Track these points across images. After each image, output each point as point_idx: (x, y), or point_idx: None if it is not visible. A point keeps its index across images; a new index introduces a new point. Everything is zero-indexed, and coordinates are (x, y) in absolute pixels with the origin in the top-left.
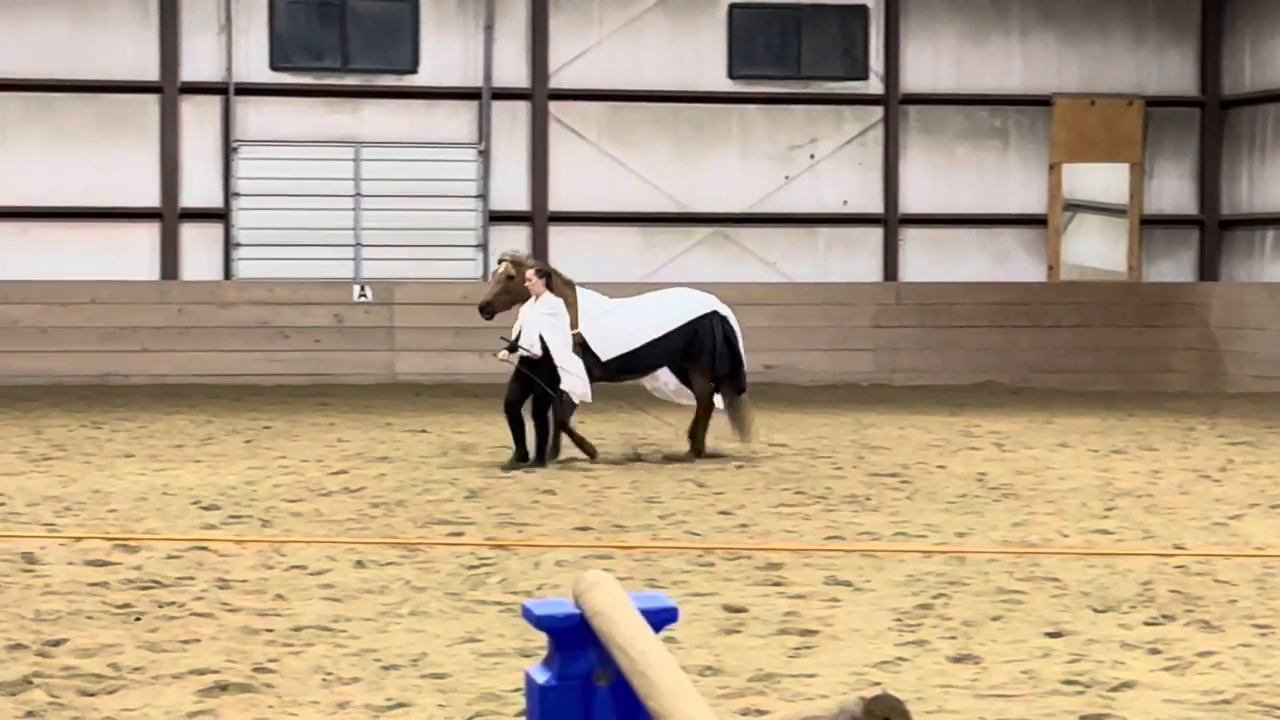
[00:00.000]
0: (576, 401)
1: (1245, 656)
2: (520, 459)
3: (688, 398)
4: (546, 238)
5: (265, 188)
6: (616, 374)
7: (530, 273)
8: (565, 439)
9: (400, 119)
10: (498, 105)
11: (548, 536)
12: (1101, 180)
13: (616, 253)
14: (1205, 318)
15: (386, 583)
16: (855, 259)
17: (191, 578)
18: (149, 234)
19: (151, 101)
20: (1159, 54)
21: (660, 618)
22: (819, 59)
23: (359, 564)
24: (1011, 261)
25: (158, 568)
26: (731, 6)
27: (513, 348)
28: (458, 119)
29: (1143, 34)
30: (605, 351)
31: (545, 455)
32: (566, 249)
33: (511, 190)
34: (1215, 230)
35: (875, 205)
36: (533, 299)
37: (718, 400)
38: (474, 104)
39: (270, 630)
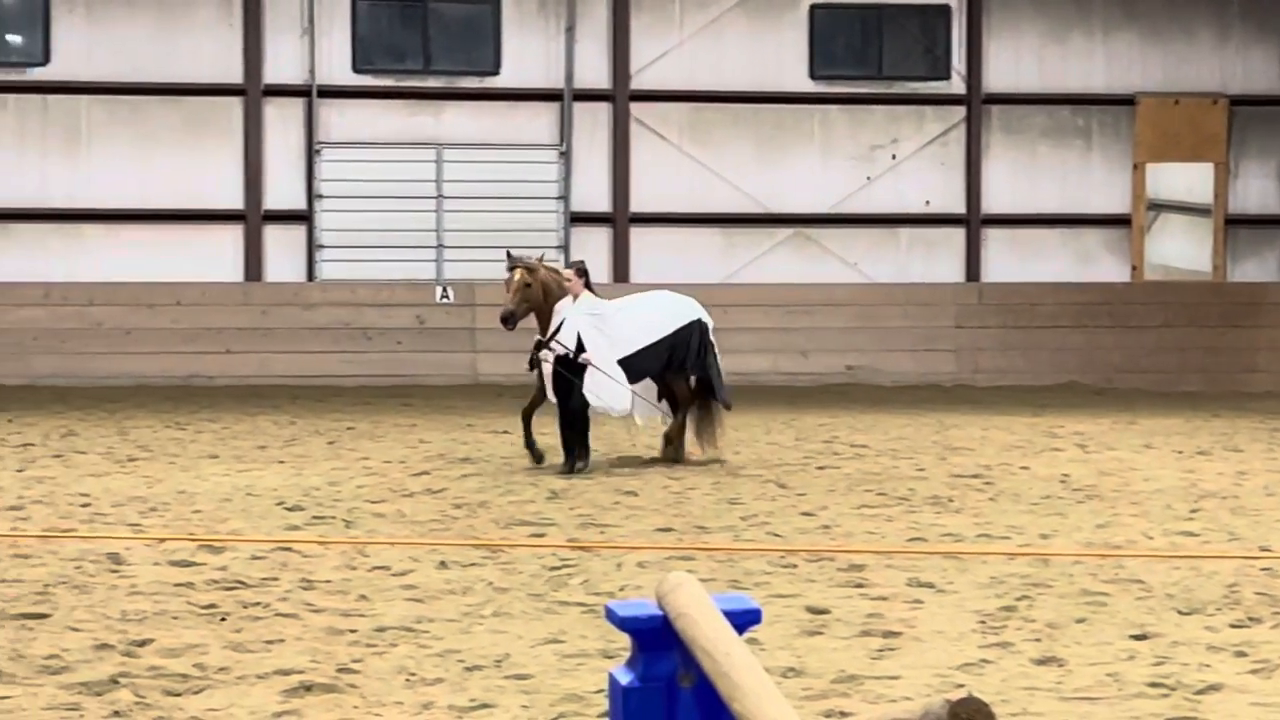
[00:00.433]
0: (616, 414)
1: None
2: (572, 466)
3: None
4: (627, 239)
5: (348, 190)
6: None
7: (570, 272)
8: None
9: (482, 120)
10: (579, 106)
11: (630, 538)
12: (1185, 179)
13: (697, 254)
14: None
15: (469, 584)
16: (937, 259)
17: (276, 578)
18: (233, 236)
19: (235, 104)
20: (1243, 52)
21: (743, 619)
22: (900, 59)
23: (442, 565)
24: (1094, 262)
25: (242, 568)
26: (812, 7)
27: (542, 346)
28: (539, 120)
29: (1227, 32)
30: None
31: (575, 460)
32: (647, 250)
33: (592, 191)
34: None
35: (957, 205)
36: (570, 299)
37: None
38: (555, 105)
39: (354, 631)
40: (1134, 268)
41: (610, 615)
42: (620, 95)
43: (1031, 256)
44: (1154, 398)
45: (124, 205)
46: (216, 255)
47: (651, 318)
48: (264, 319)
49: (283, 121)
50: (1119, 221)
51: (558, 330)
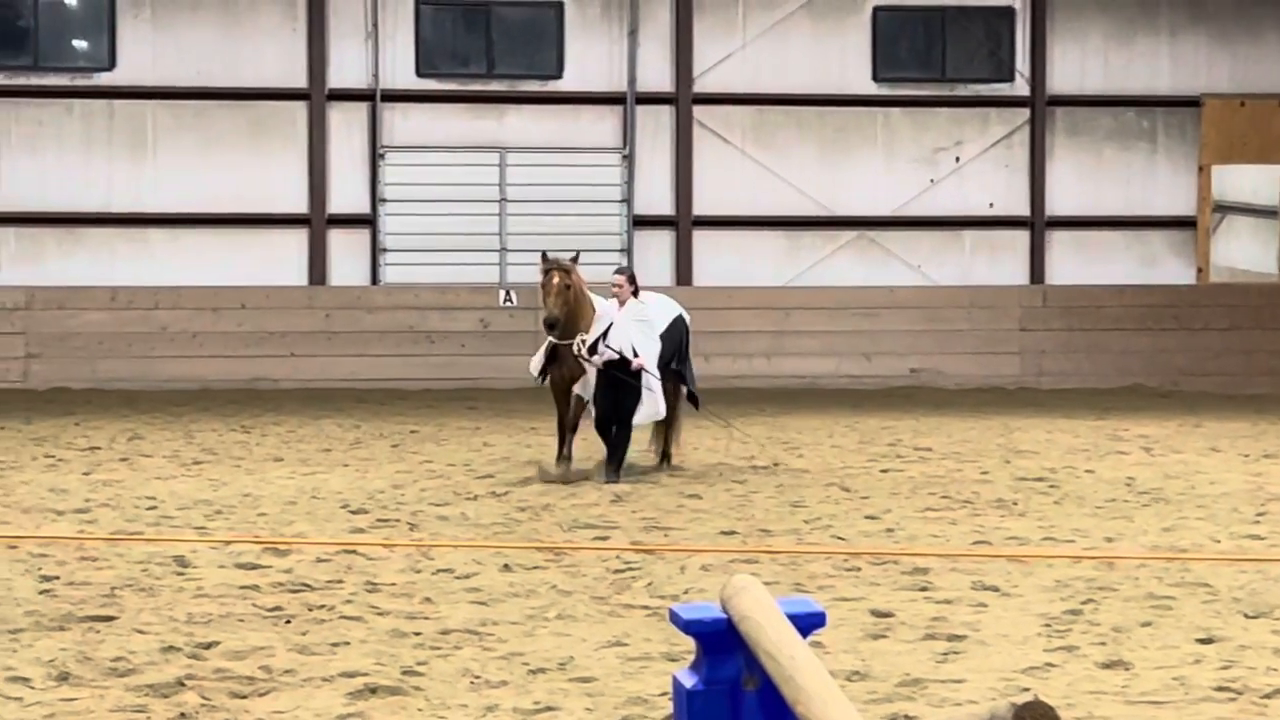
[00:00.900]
0: (651, 420)
1: None
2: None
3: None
4: (690, 242)
5: (411, 193)
6: None
7: (622, 278)
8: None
9: (545, 124)
10: (642, 109)
11: (693, 541)
12: (1251, 181)
13: (760, 257)
14: None
15: (533, 586)
16: (1001, 262)
17: (340, 581)
18: (297, 240)
19: (300, 109)
20: None
21: (807, 622)
22: (964, 61)
23: (506, 568)
24: (1160, 264)
25: (307, 571)
26: (876, 9)
27: (592, 349)
28: (602, 124)
29: None
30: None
31: (619, 467)
32: (710, 253)
33: (655, 195)
34: None
35: (1021, 208)
36: (614, 304)
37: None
38: (618, 109)
39: (419, 633)
40: (1199, 270)
41: (674, 618)
42: (683, 98)
43: (1096, 259)
44: (1219, 400)
45: (189, 209)
46: (281, 259)
47: (646, 314)
48: (328, 322)
49: (347, 126)
50: (1184, 224)
51: (604, 335)
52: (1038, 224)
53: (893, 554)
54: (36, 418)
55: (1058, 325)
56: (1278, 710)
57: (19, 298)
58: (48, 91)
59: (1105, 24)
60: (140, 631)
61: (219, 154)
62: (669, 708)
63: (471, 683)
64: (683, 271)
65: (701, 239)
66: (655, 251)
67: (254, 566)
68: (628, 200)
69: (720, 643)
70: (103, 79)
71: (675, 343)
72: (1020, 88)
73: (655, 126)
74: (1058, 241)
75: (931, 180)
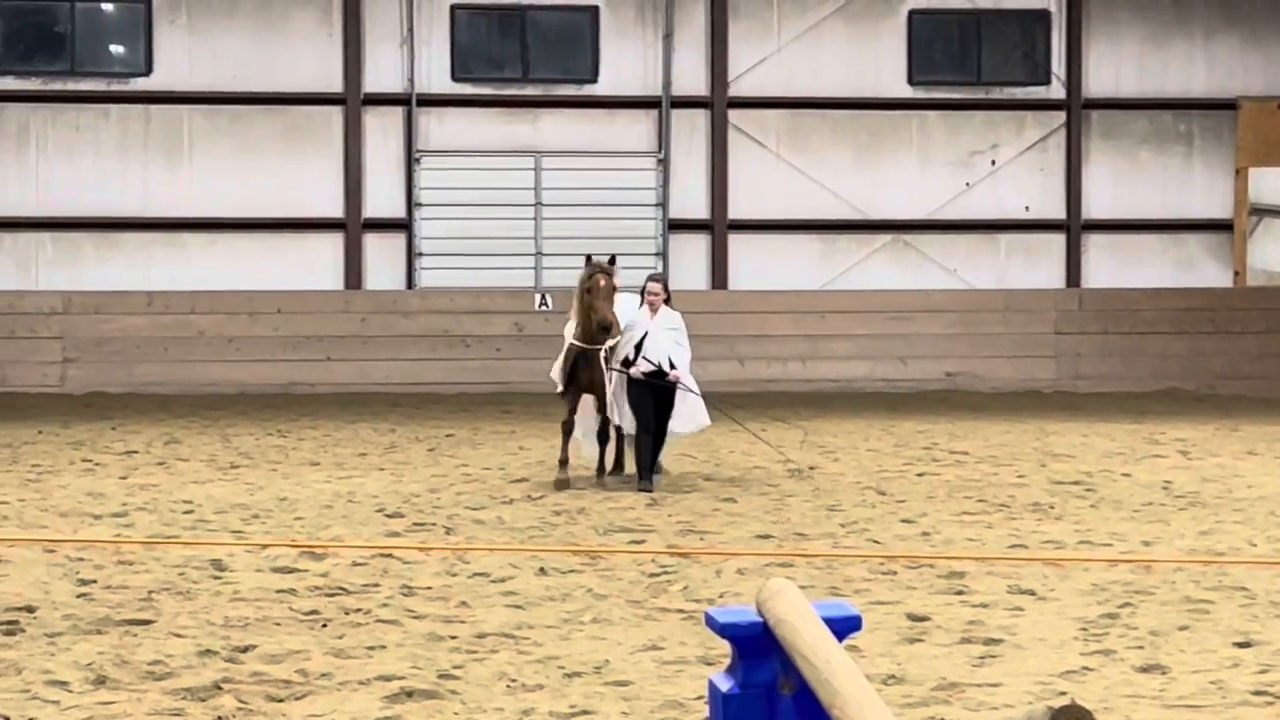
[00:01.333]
0: (700, 429)
1: None
2: (649, 479)
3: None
4: (726, 246)
5: (446, 198)
6: None
7: (658, 285)
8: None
9: (580, 128)
10: (677, 114)
11: (729, 544)
12: None
13: (795, 261)
14: None
15: (569, 590)
16: (1037, 265)
17: (377, 585)
18: (333, 244)
19: (335, 113)
20: None
21: (843, 626)
22: (999, 64)
23: (541, 571)
24: (1196, 267)
25: (343, 575)
26: (911, 12)
27: (628, 362)
28: (637, 128)
29: None
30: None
31: (653, 474)
32: (745, 257)
33: (690, 199)
34: None
35: (1057, 211)
36: (647, 311)
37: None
38: (653, 113)
39: (455, 637)
40: (1236, 273)
41: (710, 622)
42: (718, 102)
43: (1132, 262)
44: (1256, 404)
45: (225, 214)
46: (317, 263)
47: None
48: (364, 327)
49: (382, 130)
50: (1221, 226)
51: (640, 344)
52: (1073, 227)
53: (929, 558)
54: (74, 422)
55: (1094, 329)
56: None
57: (56, 302)
58: (84, 97)
59: (1140, 27)
60: (177, 635)
61: (255, 159)
62: (705, 711)
63: (507, 686)
64: (718, 276)
65: (737, 243)
66: (690, 256)
67: (290, 570)
68: (663, 204)
69: (756, 646)
70: (139, 84)
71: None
72: (1056, 91)
73: (690, 130)
74: (1094, 245)
75: (967, 184)
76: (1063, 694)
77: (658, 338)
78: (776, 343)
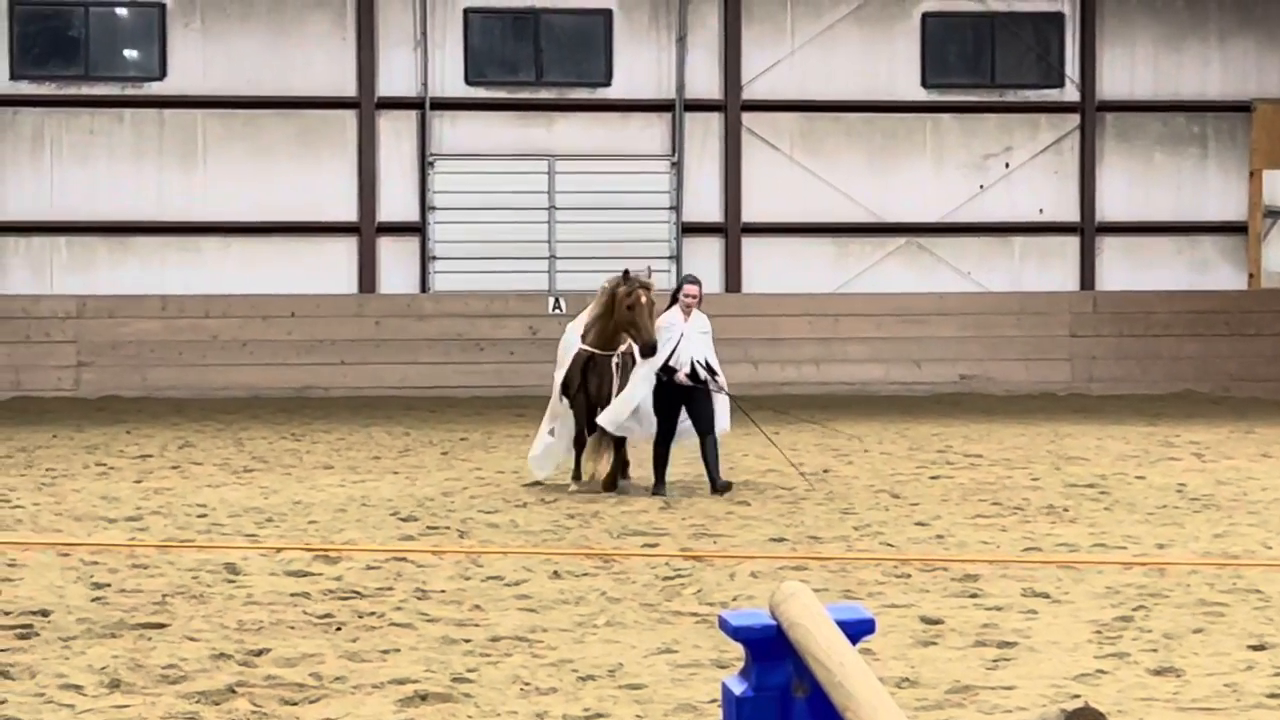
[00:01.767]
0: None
1: None
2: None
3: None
4: (739, 249)
5: (461, 201)
6: None
7: (696, 288)
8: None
9: (593, 131)
10: (690, 117)
11: (743, 548)
12: None
13: (809, 264)
14: None
15: (583, 593)
16: (1051, 268)
17: (390, 588)
18: (347, 248)
19: (349, 117)
20: None
21: (857, 629)
22: (1013, 67)
23: (555, 575)
24: (1211, 269)
25: (357, 578)
26: (925, 15)
27: (669, 369)
28: (650, 131)
29: None
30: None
31: (719, 475)
32: (759, 261)
33: (704, 202)
34: None
35: (1071, 214)
36: (680, 314)
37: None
38: (667, 116)
39: (468, 640)
40: (1251, 275)
41: (724, 625)
42: (732, 105)
43: (1146, 264)
44: (1271, 406)
45: (239, 218)
46: (331, 267)
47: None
48: (378, 330)
49: (396, 134)
50: (1236, 229)
51: (675, 349)
52: (1088, 230)
53: (943, 561)
54: (88, 426)
55: (1108, 331)
56: None
57: (70, 306)
58: (99, 101)
59: (1154, 29)
60: (191, 639)
61: (269, 163)
62: (718, 715)
63: (521, 689)
64: (732, 279)
65: (750, 246)
66: (704, 259)
67: (304, 574)
68: (676, 208)
69: (770, 649)
70: (153, 88)
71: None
72: (1070, 93)
73: (704, 133)
74: (1108, 247)
75: (981, 186)
76: (1076, 697)
77: (693, 341)
78: (790, 346)
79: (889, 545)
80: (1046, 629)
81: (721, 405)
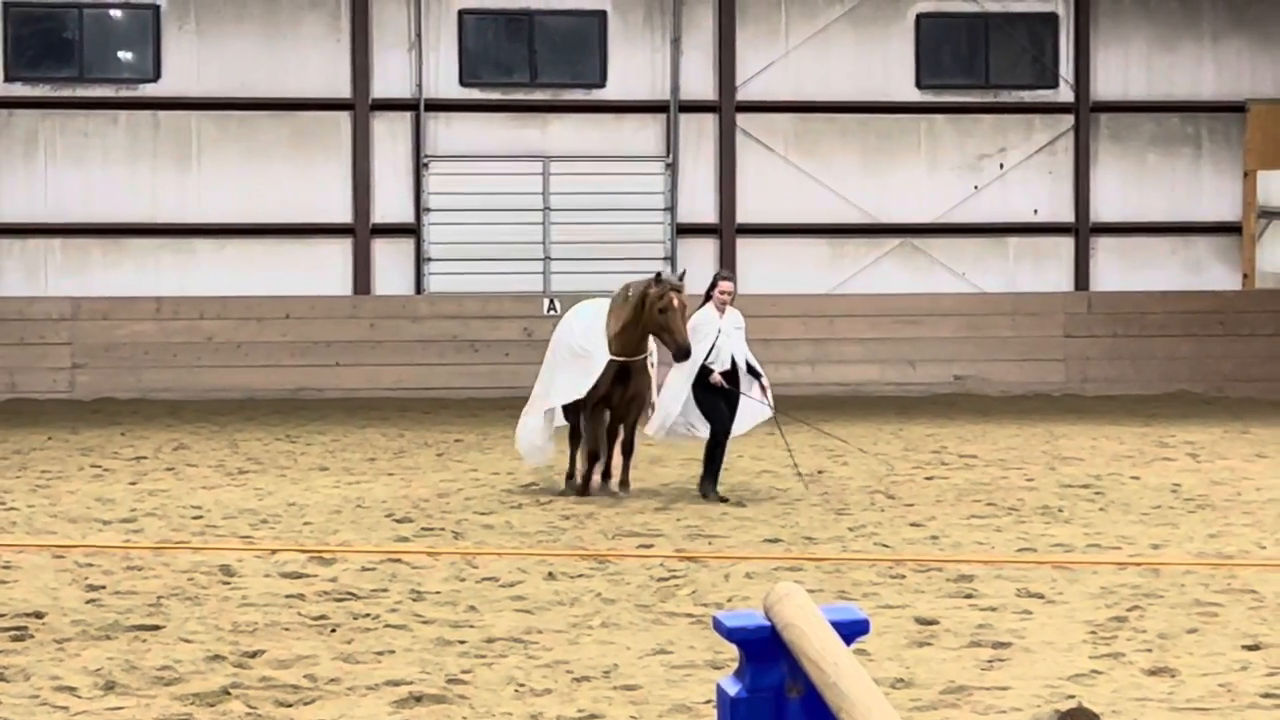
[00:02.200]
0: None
1: None
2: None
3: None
4: (734, 250)
5: (455, 203)
6: None
7: (730, 284)
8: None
9: (588, 133)
10: (685, 118)
11: (737, 548)
12: None
13: (804, 264)
14: None
15: (577, 594)
16: (1045, 268)
17: (385, 590)
18: (341, 249)
19: (344, 118)
20: None
21: (851, 630)
22: (1008, 68)
23: (550, 576)
24: (1205, 270)
25: (352, 580)
26: (919, 16)
27: (707, 371)
28: (645, 132)
29: None
30: None
31: (715, 481)
32: (754, 261)
33: (699, 203)
34: None
35: (1066, 214)
36: (715, 311)
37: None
38: (661, 117)
39: (463, 642)
40: (1245, 276)
41: (718, 626)
42: (726, 106)
43: (1141, 265)
44: (1266, 406)
45: (234, 220)
46: (325, 269)
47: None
48: (372, 332)
49: (390, 135)
50: (1230, 229)
51: (714, 346)
52: (1082, 230)
53: (937, 561)
54: (83, 428)
55: (1102, 332)
56: None
57: (65, 308)
58: (93, 103)
59: (1148, 30)
60: (186, 640)
61: (263, 164)
62: (713, 715)
63: (516, 691)
64: None
65: (745, 247)
66: (699, 260)
67: (299, 575)
68: (671, 208)
69: (764, 650)
70: (148, 90)
71: None
72: (1064, 94)
73: (698, 134)
74: (1102, 248)
75: (975, 187)
76: (1071, 697)
77: (730, 338)
78: (785, 346)
79: (884, 546)
80: (1041, 629)
81: (744, 409)
